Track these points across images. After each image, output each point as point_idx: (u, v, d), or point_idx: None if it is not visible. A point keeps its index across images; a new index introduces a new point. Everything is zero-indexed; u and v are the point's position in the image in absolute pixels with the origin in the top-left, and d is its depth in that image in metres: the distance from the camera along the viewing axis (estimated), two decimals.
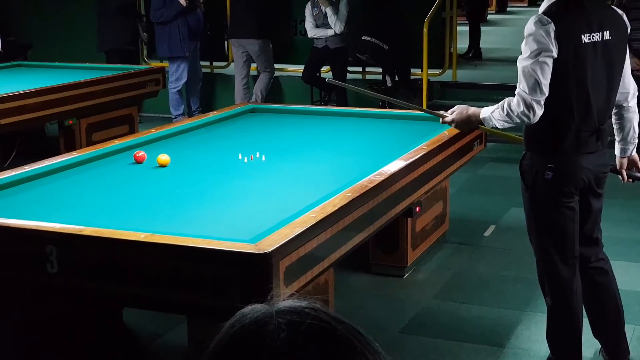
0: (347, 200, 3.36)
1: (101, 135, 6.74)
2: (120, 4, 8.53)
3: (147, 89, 7.40)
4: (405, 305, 4.35)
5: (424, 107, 7.62)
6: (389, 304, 4.36)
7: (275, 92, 8.94)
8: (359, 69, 8.75)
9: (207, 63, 9.42)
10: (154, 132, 4.82)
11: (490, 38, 12.17)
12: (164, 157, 4.15)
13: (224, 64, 9.52)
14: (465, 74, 8.76)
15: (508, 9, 16.24)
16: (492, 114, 3.22)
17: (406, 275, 4.73)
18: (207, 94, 9.06)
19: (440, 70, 8.49)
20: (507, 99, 3.17)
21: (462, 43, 10.01)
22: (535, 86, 3.10)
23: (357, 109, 6.10)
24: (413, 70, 8.19)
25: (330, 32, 8.00)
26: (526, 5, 17.06)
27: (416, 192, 4.23)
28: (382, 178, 3.74)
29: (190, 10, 8.20)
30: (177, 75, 8.36)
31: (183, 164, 4.23)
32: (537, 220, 3.45)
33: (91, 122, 6.91)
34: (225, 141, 4.83)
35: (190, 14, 8.22)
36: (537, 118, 3.13)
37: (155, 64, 8.93)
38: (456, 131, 4.81)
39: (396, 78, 8.14)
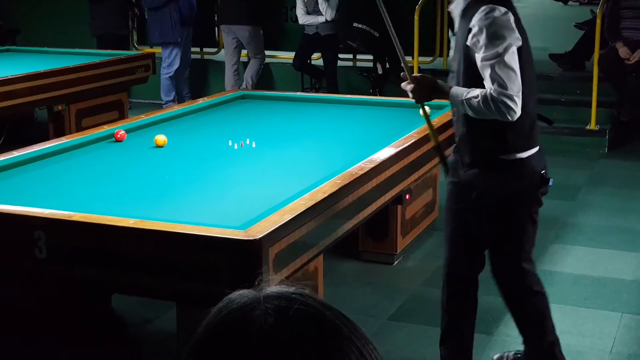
0: (337, 188, 3.36)
1: (91, 121, 6.71)
2: None
3: (137, 74, 7.37)
4: (394, 292, 4.36)
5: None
6: (378, 291, 4.37)
7: (266, 79, 8.91)
8: (350, 56, 8.73)
9: (198, 49, 9.38)
10: (144, 118, 4.81)
11: None
12: (161, 138, 4.18)
13: (214, 50, 9.48)
14: None
15: None
16: (468, 99, 2.91)
17: (396, 262, 4.74)
18: (197, 80, 9.03)
19: (431, 58, 8.49)
20: (487, 90, 2.89)
21: None
22: (515, 80, 2.87)
23: (348, 96, 6.09)
24: None
25: (321, 19, 7.98)
26: None
27: (406, 180, 4.23)
28: (372, 165, 3.74)
29: None
30: (170, 61, 8.33)
31: (173, 150, 4.22)
32: (514, 236, 3.17)
33: (80, 107, 6.88)
34: (216, 128, 4.82)
35: (182, 0, 8.18)
36: (517, 115, 2.90)
37: (146, 49, 8.88)
38: (448, 118, 4.81)
39: (387, 65, 8.13)
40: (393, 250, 4.71)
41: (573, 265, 4.67)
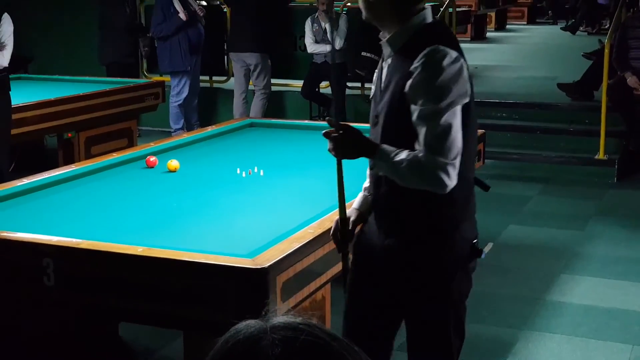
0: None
1: (100, 148, 6.73)
2: (121, 18, 8.55)
3: (146, 102, 7.41)
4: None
5: None
6: None
7: (274, 107, 8.95)
8: (358, 84, 8.77)
9: (207, 78, 9.43)
10: (153, 146, 4.82)
11: (489, 55, 12.21)
12: (174, 163, 4.23)
13: (224, 78, 9.54)
14: None
15: (507, 26, 16.29)
16: (395, 162, 2.39)
17: None
18: (206, 109, 9.07)
19: None
20: (417, 154, 2.37)
21: None
22: (453, 144, 2.35)
23: (356, 124, 6.09)
24: None
25: (329, 48, 8.02)
26: (525, 22, 17.10)
27: None
28: None
29: (191, 25, 8.23)
30: (179, 90, 8.37)
31: (181, 178, 4.23)
32: (442, 324, 2.63)
33: (90, 135, 6.91)
34: (224, 155, 4.83)
35: (191, 29, 8.24)
36: (451, 188, 2.37)
37: (156, 77, 8.94)
38: None
39: None
40: None
41: (582, 296, 4.64)
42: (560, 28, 15.08)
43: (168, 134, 7.96)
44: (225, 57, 9.49)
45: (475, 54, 12.16)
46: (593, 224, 5.94)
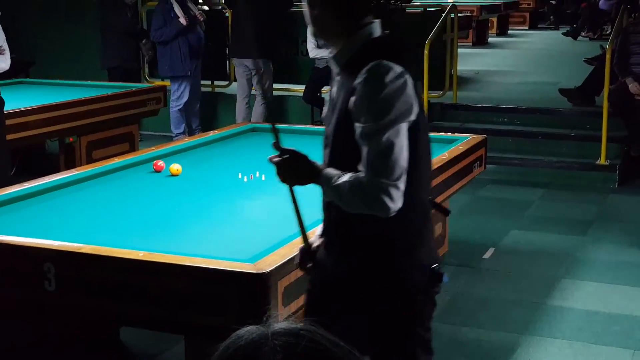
0: None
1: (101, 152, 6.74)
2: (122, 22, 8.56)
3: (148, 107, 7.41)
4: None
5: None
6: None
7: (276, 112, 8.95)
8: None
9: (209, 82, 9.44)
10: (155, 150, 4.82)
11: (491, 61, 12.22)
12: (176, 167, 4.27)
13: (225, 83, 9.54)
14: (465, 96, 8.79)
15: (509, 31, 16.29)
16: (337, 186, 2.26)
17: None
18: (208, 113, 9.07)
19: (441, 92, 8.52)
20: (358, 176, 2.23)
21: (462, 65, 10.05)
22: (397, 164, 2.21)
23: None
24: None
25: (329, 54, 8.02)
26: (527, 28, 17.10)
27: None
28: None
29: (191, 30, 8.23)
30: (179, 94, 8.38)
31: (183, 183, 4.23)
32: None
33: (91, 139, 6.92)
34: (226, 160, 4.83)
35: (191, 33, 8.25)
36: (395, 211, 2.23)
37: (157, 82, 8.95)
38: (457, 152, 4.82)
39: None
40: None
41: (584, 301, 4.64)
42: (562, 33, 15.08)
43: (170, 139, 7.96)
44: (227, 61, 9.49)
45: (477, 59, 12.17)
46: (594, 229, 5.94)
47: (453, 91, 8.54)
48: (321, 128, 7.34)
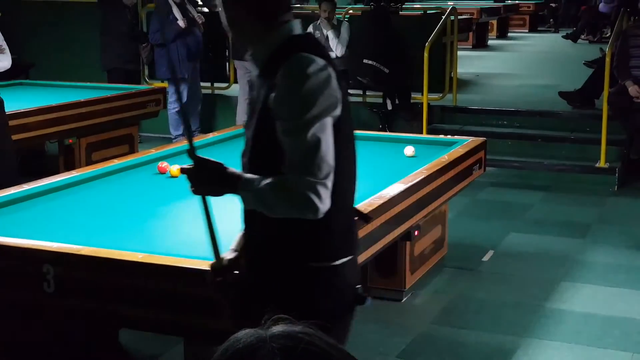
0: None
1: (101, 154, 6.74)
2: (122, 24, 8.57)
3: (147, 109, 7.42)
4: (403, 329, 4.33)
5: (424, 131, 7.65)
6: (387, 328, 4.34)
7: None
8: (360, 91, 8.78)
9: (208, 84, 9.45)
10: (154, 152, 4.83)
11: (490, 63, 12.23)
12: (176, 168, 4.30)
13: (225, 85, 9.55)
14: (465, 99, 8.79)
15: (509, 34, 16.30)
16: (259, 190, 2.12)
17: (404, 299, 4.71)
18: (207, 115, 9.07)
19: (441, 95, 8.52)
20: (283, 177, 2.09)
21: (462, 68, 10.06)
22: (324, 162, 2.07)
23: (357, 131, 6.10)
24: (413, 94, 8.22)
25: (331, 55, 8.03)
26: (527, 30, 17.11)
27: (415, 216, 4.23)
28: (381, 201, 3.74)
29: (189, 32, 8.24)
30: (177, 96, 8.37)
31: (182, 184, 4.22)
32: None
33: (91, 141, 6.92)
34: (225, 162, 4.82)
35: (189, 36, 8.25)
36: (324, 212, 2.08)
37: (157, 84, 8.95)
38: (456, 155, 4.82)
39: (396, 102, 8.17)
40: (402, 287, 4.69)
41: (583, 304, 4.64)
42: (562, 36, 15.09)
43: (169, 140, 7.97)
44: (227, 63, 9.50)
45: (477, 61, 12.17)
46: (594, 231, 5.94)
47: (453, 94, 8.55)
48: None
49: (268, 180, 2.11)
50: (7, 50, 5.67)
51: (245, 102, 8.48)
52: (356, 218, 2.39)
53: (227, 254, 2.36)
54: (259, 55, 2.26)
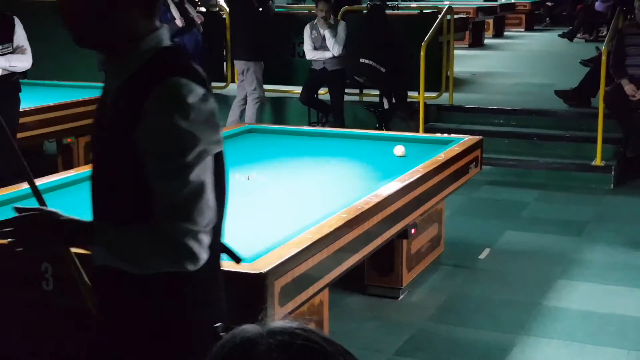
0: (343, 222, 3.37)
1: None
2: None
3: None
4: (399, 327, 4.35)
5: (421, 130, 7.66)
6: (384, 326, 4.36)
7: (273, 113, 8.96)
8: (357, 90, 8.79)
9: None
10: None
11: (487, 62, 12.24)
12: None
13: (223, 84, 9.55)
14: (461, 98, 8.80)
15: (505, 33, 16.30)
16: (118, 240, 1.81)
17: (401, 297, 4.73)
18: None
19: (437, 94, 8.53)
20: (156, 225, 1.78)
21: (458, 67, 10.07)
22: (206, 207, 1.80)
23: (354, 130, 6.13)
24: (410, 93, 8.24)
25: (328, 55, 8.04)
26: (523, 30, 17.11)
27: (412, 214, 4.24)
28: (377, 200, 3.76)
29: (187, 32, 8.24)
30: None
31: None
32: None
33: (89, 140, 6.92)
34: (229, 167, 4.84)
35: (187, 35, 8.25)
36: (201, 263, 1.81)
37: None
38: (453, 153, 4.84)
39: (393, 101, 8.18)
40: (398, 285, 4.70)
41: (579, 302, 4.66)
42: (558, 35, 15.10)
43: None
44: (224, 63, 9.50)
45: (473, 60, 12.18)
46: (590, 230, 5.96)
47: (449, 92, 8.56)
48: (318, 129, 7.37)
49: (135, 230, 1.79)
50: (29, 51, 5.69)
51: (239, 102, 8.50)
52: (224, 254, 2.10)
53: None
54: (120, 69, 1.87)
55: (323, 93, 8.61)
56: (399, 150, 4.88)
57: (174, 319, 1.88)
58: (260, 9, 8.39)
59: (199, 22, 8.40)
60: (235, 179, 4.29)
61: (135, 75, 1.83)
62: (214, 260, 1.94)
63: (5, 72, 5.62)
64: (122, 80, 1.85)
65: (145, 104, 1.76)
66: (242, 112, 8.50)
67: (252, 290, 2.74)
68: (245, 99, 8.49)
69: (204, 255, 1.80)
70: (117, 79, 1.87)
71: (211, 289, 1.98)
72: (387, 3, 9.28)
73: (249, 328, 0.93)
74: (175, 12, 8.16)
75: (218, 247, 2.01)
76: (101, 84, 2.03)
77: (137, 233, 1.80)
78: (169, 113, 1.76)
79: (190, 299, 1.90)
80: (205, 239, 1.80)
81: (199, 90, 1.80)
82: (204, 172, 1.80)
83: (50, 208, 1.90)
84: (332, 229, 3.26)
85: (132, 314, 1.90)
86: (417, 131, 7.55)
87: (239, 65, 8.37)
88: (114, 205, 1.87)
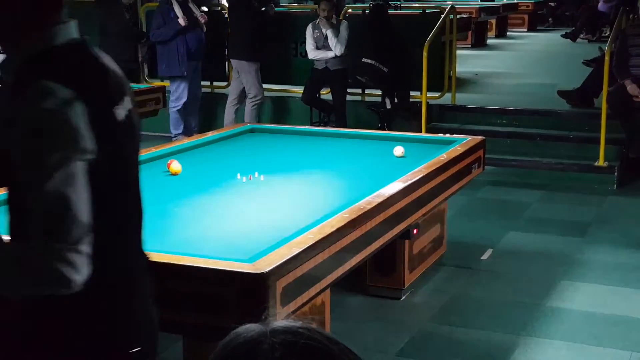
0: (345, 222, 3.36)
1: None
2: (120, 24, 8.56)
3: (147, 107, 7.42)
4: (401, 327, 4.34)
5: (423, 130, 7.65)
6: (386, 326, 4.35)
7: (275, 113, 8.95)
8: (359, 90, 8.78)
9: (208, 83, 9.45)
10: (154, 151, 4.83)
11: (489, 62, 12.23)
12: (176, 166, 4.30)
13: (225, 84, 9.55)
14: (464, 98, 8.80)
15: (508, 33, 16.30)
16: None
17: (403, 297, 4.72)
18: (206, 114, 9.08)
19: (440, 94, 8.53)
20: (23, 245, 1.69)
21: (461, 67, 10.06)
22: (76, 222, 1.64)
23: (356, 130, 6.12)
24: (412, 93, 8.23)
25: (330, 54, 8.04)
26: (526, 30, 17.11)
27: (414, 215, 4.23)
28: (380, 200, 3.74)
29: (190, 31, 8.23)
30: (177, 95, 8.38)
31: (182, 183, 4.23)
32: None
33: None
34: (224, 161, 4.84)
35: (190, 34, 8.25)
36: (83, 283, 1.65)
37: (156, 83, 8.95)
38: (455, 153, 4.83)
39: (395, 100, 8.17)
40: (400, 285, 4.69)
41: (582, 303, 4.64)
42: (561, 35, 15.10)
43: (169, 139, 7.97)
44: (226, 62, 9.50)
45: (476, 60, 12.18)
46: (593, 230, 5.95)
47: (452, 92, 8.55)
48: (320, 129, 7.37)
49: (4, 251, 1.68)
50: None
51: (232, 102, 8.51)
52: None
53: None
54: (6, 67, 1.77)
55: (325, 93, 8.61)
56: (399, 150, 4.88)
57: (57, 344, 1.79)
58: (262, 9, 8.40)
59: (202, 21, 8.40)
60: (237, 179, 4.28)
61: (16, 76, 1.74)
62: (128, 285, 1.82)
63: None
64: (8, 80, 1.76)
65: (13, 109, 1.68)
66: (236, 111, 8.51)
67: (255, 290, 2.73)
68: (237, 98, 8.50)
69: (77, 276, 1.63)
70: (6, 77, 1.79)
71: (129, 319, 1.83)
72: (390, 3, 9.27)
73: (252, 327, 0.93)
74: (178, 11, 8.16)
75: (138, 268, 1.89)
76: None
77: (6, 255, 1.67)
78: (25, 120, 1.65)
79: (74, 321, 1.76)
80: (77, 258, 1.62)
81: (62, 93, 1.65)
82: (65, 183, 1.63)
83: None
84: (334, 229, 3.25)
85: (14, 338, 1.83)
86: (420, 131, 7.54)
87: (233, 64, 8.41)
88: (11, 220, 1.78)
